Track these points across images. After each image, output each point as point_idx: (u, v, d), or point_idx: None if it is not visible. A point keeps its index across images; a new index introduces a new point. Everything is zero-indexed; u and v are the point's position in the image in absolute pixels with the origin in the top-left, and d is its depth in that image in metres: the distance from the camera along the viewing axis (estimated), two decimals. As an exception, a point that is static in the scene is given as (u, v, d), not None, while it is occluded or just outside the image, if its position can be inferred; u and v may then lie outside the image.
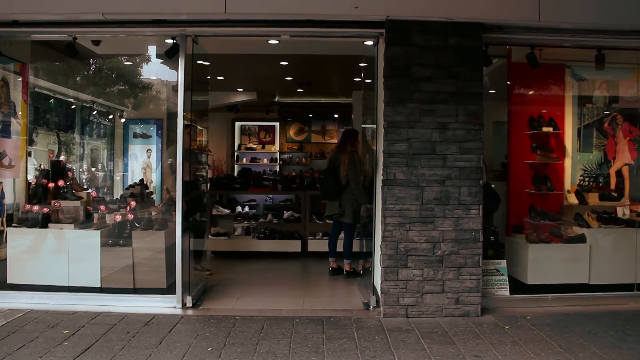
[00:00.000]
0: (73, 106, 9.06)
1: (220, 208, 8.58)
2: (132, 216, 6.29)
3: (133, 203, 6.38)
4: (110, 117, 9.84)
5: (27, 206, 6.35)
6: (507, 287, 5.96)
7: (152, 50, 7.98)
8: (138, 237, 6.11)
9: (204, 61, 6.75)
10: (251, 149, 14.67)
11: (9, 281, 5.95)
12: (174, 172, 5.90)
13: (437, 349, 4.55)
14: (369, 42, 6.00)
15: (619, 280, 6.24)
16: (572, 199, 6.88)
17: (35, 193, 6.39)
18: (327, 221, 8.13)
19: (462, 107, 5.49)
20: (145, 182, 7.98)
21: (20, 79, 6.93)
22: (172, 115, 6.07)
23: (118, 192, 8.70)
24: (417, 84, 5.48)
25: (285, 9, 5.41)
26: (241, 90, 11.80)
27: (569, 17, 5.53)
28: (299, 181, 10.05)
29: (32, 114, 7.40)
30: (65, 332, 4.81)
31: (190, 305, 5.66)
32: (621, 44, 6.05)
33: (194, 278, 5.93)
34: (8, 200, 6.69)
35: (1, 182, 6.58)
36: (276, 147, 14.89)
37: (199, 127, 11.25)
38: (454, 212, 5.48)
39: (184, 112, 5.71)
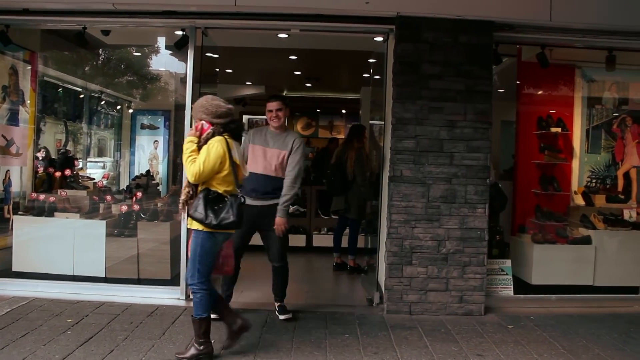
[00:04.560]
0: (81, 96, 9.09)
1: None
2: (138, 207, 6.30)
3: (139, 194, 6.39)
4: (118, 107, 9.86)
5: (34, 194, 6.38)
6: (511, 286, 5.95)
7: (161, 41, 7.99)
8: (143, 228, 6.13)
9: (213, 53, 6.73)
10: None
11: (14, 269, 5.98)
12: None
13: (439, 346, 4.55)
14: (379, 38, 5.98)
15: (624, 282, 6.22)
16: (579, 200, 6.85)
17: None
18: (333, 216, 8.13)
19: (470, 106, 5.47)
20: (151, 174, 8.00)
21: (29, 67, 6.94)
22: (180, 107, 6.08)
23: (124, 183, 8.72)
24: (426, 81, 5.46)
25: (295, 3, 5.39)
26: (249, 83, 11.78)
27: (581, 17, 5.49)
28: (305, 176, 10.01)
29: (41, 102, 7.41)
30: (69, 320, 4.83)
31: (194, 297, 5.67)
32: (633, 46, 6.00)
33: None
34: (15, 188, 6.71)
35: (8, 170, 6.60)
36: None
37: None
38: (460, 211, 5.46)
39: (191, 104, 5.70)
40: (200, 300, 4.06)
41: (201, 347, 4.08)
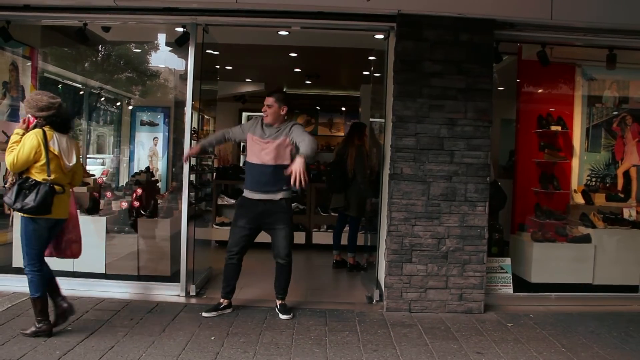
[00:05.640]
0: (81, 92, 9.08)
1: (226, 198, 8.58)
2: (138, 203, 6.30)
3: (139, 190, 6.38)
4: (118, 104, 9.85)
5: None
6: (511, 285, 5.95)
7: (161, 38, 7.98)
8: (143, 224, 6.13)
9: (214, 50, 6.73)
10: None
11: (14, 265, 5.96)
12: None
13: (439, 344, 4.55)
14: (380, 36, 5.97)
15: (623, 281, 6.23)
16: (579, 199, 6.86)
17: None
18: (332, 214, 8.13)
19: (471, 104, 5.47)
20: (151, 170, 8.00)
21: (29, 63, 6.94)
22: (180, 104, 6.08)
23: (124, 180, 8.72)
24: (427, 79, 5.45)
25: (296, 0, 5.39)
26: (249, 80, 11.79)
27: (582, 15, 5.48)
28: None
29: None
30: (69, 317, 4.82)
31: (194, 294, 5.67)
32: (633, 44, 5.99)
33: (198, 267, 5.94)
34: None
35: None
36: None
37: (206, 117, 11.27)
38: (460, 209, 5.47)
39: (192, 101, 5.70)
40: (32, 281, 4.32)
41: (39, 325, 4.33)
